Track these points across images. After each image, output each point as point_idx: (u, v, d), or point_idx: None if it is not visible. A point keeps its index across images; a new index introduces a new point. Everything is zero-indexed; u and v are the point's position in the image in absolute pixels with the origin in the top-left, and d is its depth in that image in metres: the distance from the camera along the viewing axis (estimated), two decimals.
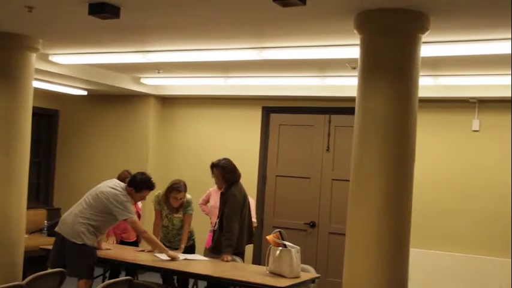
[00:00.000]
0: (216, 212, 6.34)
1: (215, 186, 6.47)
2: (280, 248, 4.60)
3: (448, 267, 6.34)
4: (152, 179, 5.06)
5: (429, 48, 4.37)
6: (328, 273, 6.93)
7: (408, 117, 3.91)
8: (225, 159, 5.33)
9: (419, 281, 6.20)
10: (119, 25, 4.44)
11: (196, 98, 7.88)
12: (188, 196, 5.59)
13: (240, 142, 7.53)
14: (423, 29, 3.90)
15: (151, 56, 5.64)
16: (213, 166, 5.27)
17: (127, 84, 7.39)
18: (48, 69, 6.23)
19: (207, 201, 6.53)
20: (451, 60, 5.09)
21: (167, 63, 6.17)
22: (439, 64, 5.41)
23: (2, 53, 5.22)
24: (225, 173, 5.23)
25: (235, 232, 5.06)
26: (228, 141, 7.62)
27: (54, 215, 7.76)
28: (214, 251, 5.23)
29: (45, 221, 7.48)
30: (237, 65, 6.01)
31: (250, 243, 5.49)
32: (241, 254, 5.25)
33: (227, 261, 5.03)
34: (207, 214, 6.49)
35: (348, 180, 4.08)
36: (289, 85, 6.91)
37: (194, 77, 7.04)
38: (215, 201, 6.39)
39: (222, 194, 5.28)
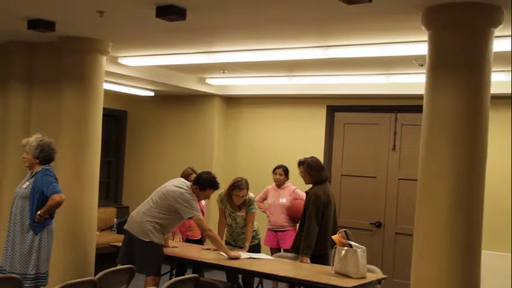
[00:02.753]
0: (274, 210, 6.36)
1: (273, 184, 6.49)
2: (346, 248, 4.54)
3: None
4: (217, 179, 5.11)
5: (503, 42, 4.20)
6: (395, 275, 6.80)
7: (479, 114, 3.77)
8: (312, 157, 5.26)
9: (492, 284, 5.97)
10: (185, 27, 4.51)
11: (260, 97, 7.91)
12: (251, 194, 5.62)
13: (305, 141, 7.50)
14: (496, 23, 3.75)
15: (216, 56, 5.71)
16: (300, 163, 5.22)
17: (192, 84, 7.51)
18: (117, 71, 6.43)
19: (264, 198, 6.56)
20: None
21: (232, 63, 6.23)
22: None
23: (75, 56, 5.42)
24: (311, 170, 5.16)
25: (312, 232, 4.96)
26: (293, 141, 7.61)
27: (123, 213, 8.00)
28: (295, 250, 5.19)
29: (115, 219, 7.71)
30: (301, 63, 5.99)
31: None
32: (324, 257, 5.03)
33: (305, 263, 4.94)
34: (263, 212, 6.51)
35: (415, 180, 3.99)
36: (355, 83, 6.83)
37: (259, 76, 7.07)
38: (273, 199, 6.42)
39: (306, 194, 5.24)
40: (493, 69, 3.84)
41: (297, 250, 5.13)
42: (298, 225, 5.44)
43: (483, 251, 3.90)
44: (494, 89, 3.92)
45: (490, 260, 5.83)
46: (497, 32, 3.83)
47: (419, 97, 4.07)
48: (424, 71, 3.96)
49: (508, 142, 6.24)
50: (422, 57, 4.32)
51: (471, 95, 3.75)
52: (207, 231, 5.09)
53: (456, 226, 3.73)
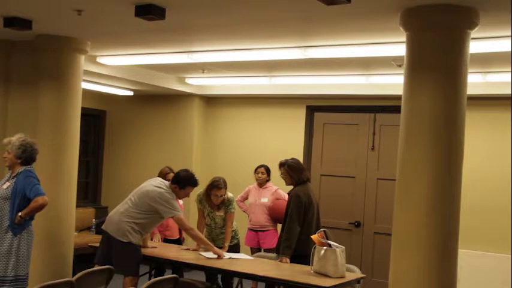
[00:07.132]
0: (255, 209, 6.36)
1: (255, 184, 6.49)
2: (325, 247, 4.57)
3: (499, 269, 6.16)
4: (196, 176, 5.10)
5: (478, 44, 4.26)
6: (374, 274, 6.85)
7: (456, 115, 3.82)
8: (293, 158, 5.27)
9: (468, 282, 6.06)
10: (165, 26, 4.50)
11: (240, 97, 7.91)
12: (230, 194, 5.61)
13: (284, 141, 7.52)
14: (472, 25, 3.80)
15: (196, 56, 5.69)
16: (281, 165, 5.23)
17: (172, 84, 7.48)
18: (96, 71, 6.37)
19: (245, 198, 6.55)
20: (502, 56, 4.95)
21: (212, 63, 6.22)
22: (489, 60, 5.27)
23: (52, 55, 5.37)
24: (292, 171, 5.16)
25: (293, 233, 4.97)
26: (272, 141, 7.63)
27: (102, 213, 7.93)
28: (278, 252, 5.18)
29: (93, 219, 7.64)
30: (281, 64, 6.01)
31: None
32: (306, 257, 4.93)
33: (285, 263, 4.95)
34: (244, 211, 6.51)
35: (394, 180, 4.03)
36: (334, 84, 6.86)
37: (238, 76, 7.07)
38: (255, 198, 6.41)
39: (288, 194, 5.25)
40: (469, 70, 3.90)
41: (279, 252, 5.14)
42: (280, 226, 5.43)
43: (460, 250, 3.96)
44: (470, 90, 3.98)
45: (466, 258, 5.91)
46: (473, 34, 3.89)
47: (398, 98, 4.11)
48: (403, 72, 4.00)
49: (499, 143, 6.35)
50: (400, 58, 4.36)
51: (448, 96, 3.80)
52: (189, 231, 5.07)
53: (433, 225, 3.77)
